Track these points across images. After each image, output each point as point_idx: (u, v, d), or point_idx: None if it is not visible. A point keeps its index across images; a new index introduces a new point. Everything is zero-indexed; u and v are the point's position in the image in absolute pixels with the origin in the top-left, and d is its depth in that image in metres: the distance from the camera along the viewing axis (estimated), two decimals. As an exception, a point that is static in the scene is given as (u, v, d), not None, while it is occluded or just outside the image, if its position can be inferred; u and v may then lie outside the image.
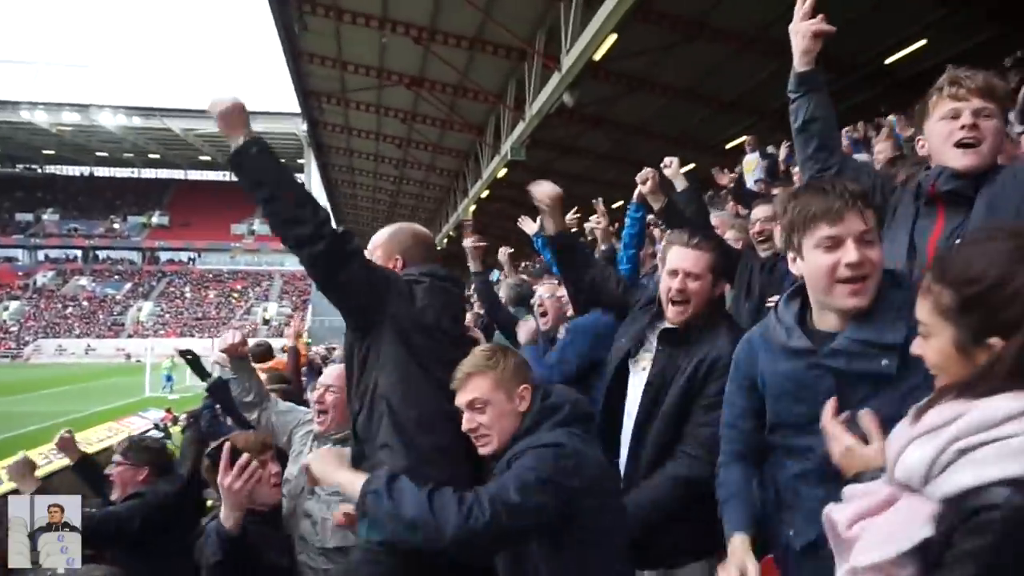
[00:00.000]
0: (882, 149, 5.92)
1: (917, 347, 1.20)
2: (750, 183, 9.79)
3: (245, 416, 3.46)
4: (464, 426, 2.07)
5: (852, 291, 1.66)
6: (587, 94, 15.44)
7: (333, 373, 3.05)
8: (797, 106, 2.39)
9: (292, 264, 75.26)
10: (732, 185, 8.46)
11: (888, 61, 14.35)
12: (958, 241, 1.90)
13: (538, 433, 2.00)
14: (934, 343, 1.13)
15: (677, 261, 2.51)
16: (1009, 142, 2.14)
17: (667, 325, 2.56)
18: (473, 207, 25.66)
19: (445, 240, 33.71)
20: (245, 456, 2.34)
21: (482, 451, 2.09)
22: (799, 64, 2.37)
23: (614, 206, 26.58)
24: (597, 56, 12.68)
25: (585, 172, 24.69)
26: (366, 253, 2.43)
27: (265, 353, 7.09)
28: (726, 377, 2.10)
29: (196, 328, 63.99)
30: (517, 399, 2.08)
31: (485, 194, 23.76)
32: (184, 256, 77.44)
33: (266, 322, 67.00)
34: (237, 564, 2.28)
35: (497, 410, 2.05)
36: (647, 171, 3.83)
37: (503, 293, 4.90)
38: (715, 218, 5.54)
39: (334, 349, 16.75)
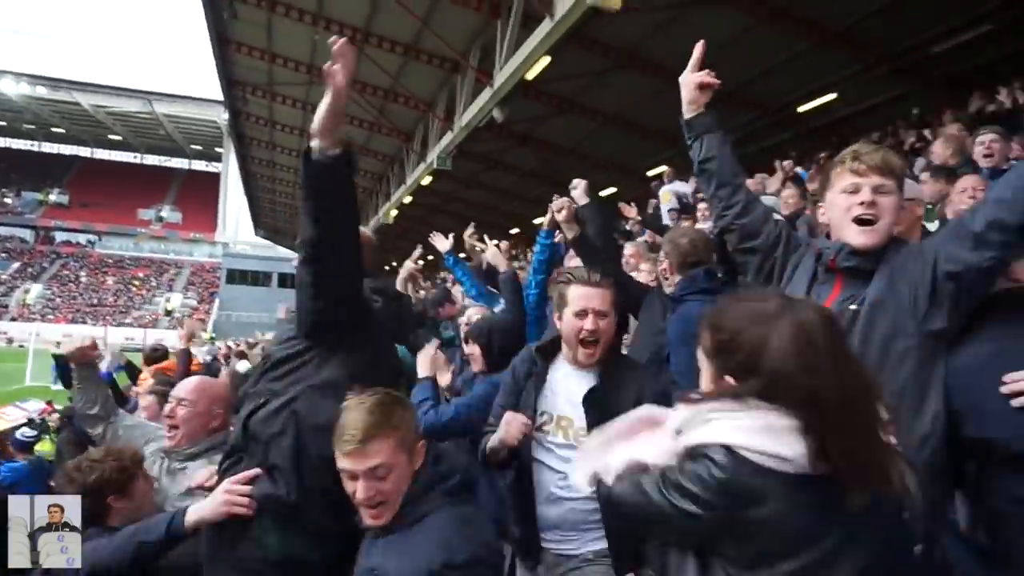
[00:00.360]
0: (790, 195, 6.15)
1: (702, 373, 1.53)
2: (665, 214, 10.10)
3: (86, 430, 3.21)
4: (359, 495, 1.80)
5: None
6: (517, 111, 15.59)
7: (187, 387, 2.90)
8: (693, 150, 2.52)
9: (201, 255, 72.33)
10: (639, 217, 8.79)
11: (801, 109, 15.15)
12: (852, 307, 2.01)
13: (427, 504, 1.84)
14: (704, 374, 1.51)
15: (585, 301, 2.44)
16: (910, 206, 2.29)
17: (575, 372, 2.49)
18: (395, 212, 25.38)
19: (365, 243, 33.19)
20: None
21: (372, 523, 1.85)
22: (686, 112, 2.52)
23: (536, 221, 26.93)
24: (530, 76, 12.82)
25: (511, 188, 24.92)
26: None
27: (160, 357, 6.78)
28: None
29: (90, 315, 60.22)
30: (416, 458, 1.90)
31: (408, 200, 23.54)
32: (83, 238, 72.70)
33: (168, 313, 63.85)
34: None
35: (399, 474, 1.82)
36: (562, 200, 3.84)
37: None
38: (630, 247, 5.70)
39: (244, 353, 15.21)
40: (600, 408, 2.27)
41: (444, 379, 3.39)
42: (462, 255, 6.28)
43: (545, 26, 11.11)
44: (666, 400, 1.92)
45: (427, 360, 3.34)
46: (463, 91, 15.92)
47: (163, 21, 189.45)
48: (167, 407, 2.89)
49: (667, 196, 10.39)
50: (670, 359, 3.04)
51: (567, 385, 2.49)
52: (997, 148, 4.67)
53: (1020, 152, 4.98)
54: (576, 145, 19.98)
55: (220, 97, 24.38)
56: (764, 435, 1.29)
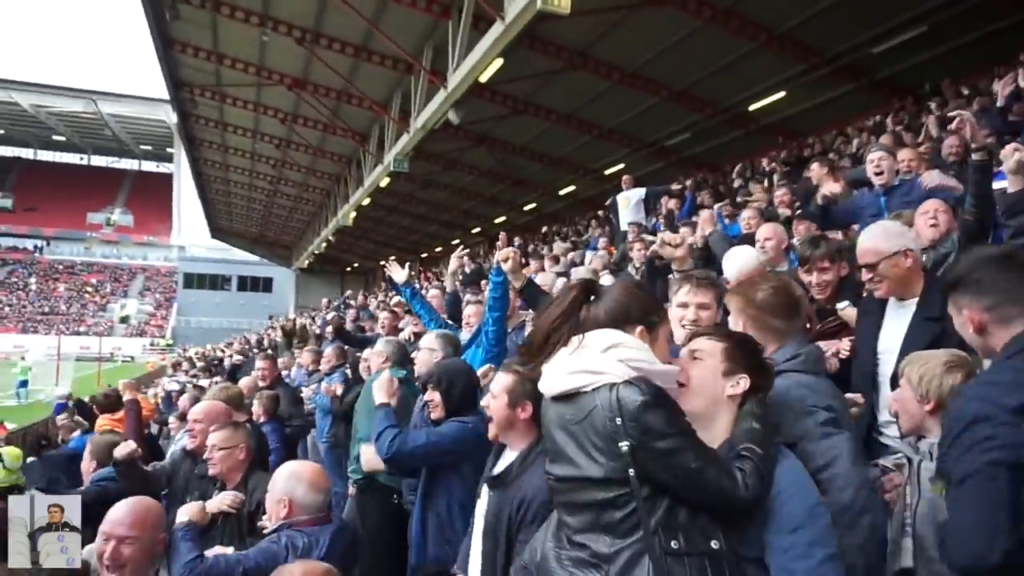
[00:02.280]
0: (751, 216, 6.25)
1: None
2: (623, 221, 10.15)
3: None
4: None
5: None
6: (472, 112, 15.57)
7: (125, 521, 2.46)
8: None
9: (155, 259, 70.54)
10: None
11: (751, 108, 15.41)
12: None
13: None
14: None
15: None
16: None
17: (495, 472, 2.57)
18: (354, 214, 25.11)
19: (324, 244, 32.82)
20: None
21: None
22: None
23: (496, 221, 27.02)
24: (483, 78, 12.77)
25: (469, 187, 24.87)
26: None
27: (113, 404, 6.55)
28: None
29: (41, 324, 58.42)
30: None
31: (367, 201, 23.30)
32: (30, 243, 70.28)
33: (124, 320, 62.28)
34: None
35: None
36: (508, 249, 3.88)
37: (384, 349, 4.71)
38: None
39: (202, 387, 12.69)
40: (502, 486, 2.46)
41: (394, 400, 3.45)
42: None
43: (496, 28, 11.06)
44: None
45: (382, 386, 3.42)
46: (417, 93, 15.80)
47: (106, 19, 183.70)
48: (105, 549, 2.38)
49: (625, 202, 10.45)
50: None
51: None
52: (886, 165, 4.76)
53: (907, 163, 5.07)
54: (532, 144, 20.02)
55: (167, 96, 23.79)
56: None
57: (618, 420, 1.44)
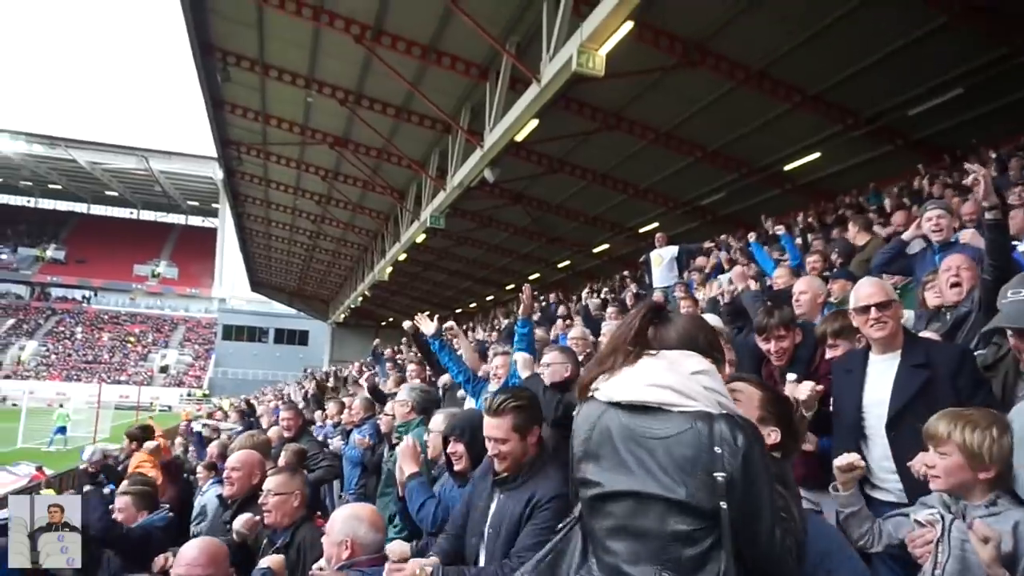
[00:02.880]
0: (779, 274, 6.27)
1: None
2: (657, 278, 10.12)
3: None
4: None
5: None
6: (508, 171, 15.82)
7: (202, 558, 2.64)
8: None
9: (197, 311, 72.17)
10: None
11: (787, 168, 15.40)
12: None
13: None
14: None
15: (486, 430, 2.64)
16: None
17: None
18: (390, 269, 25.48)
19: (360, 299, 33.24)
20: None
21: None
22: None
23: (531, 277, 27.17)
24: (519, 137, 13.04)
25: (504, 244, 25.09)
26: None
27: (146, 435, 6.62)
28: (550, 511, 2.36)
29: (85, 372, 59.77)
30: None
31: (403, 257, 23.66)
32: (78, 294, 72.70)
33: (163, 370, 63.45)
34: None
35: None
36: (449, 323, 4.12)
37: (408, 397, 4.70)
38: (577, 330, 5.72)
39: (224, 423, 12.91)
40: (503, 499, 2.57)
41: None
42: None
43: (532, 91, 11.34)
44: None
45: (407, 454, 3.42)
46: (455, 152, 16.17)
47: (159, 80, 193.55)
48: None
49: (658, 260, 10.44)
50: None
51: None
52: (944, 223, 4.70)
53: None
54: (567, 203, 20.24)
55: (214, 153, 24.72)
56: None
57: (717, 449, 1.36)
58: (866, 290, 2.86)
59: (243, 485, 3.73)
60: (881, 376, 2.74)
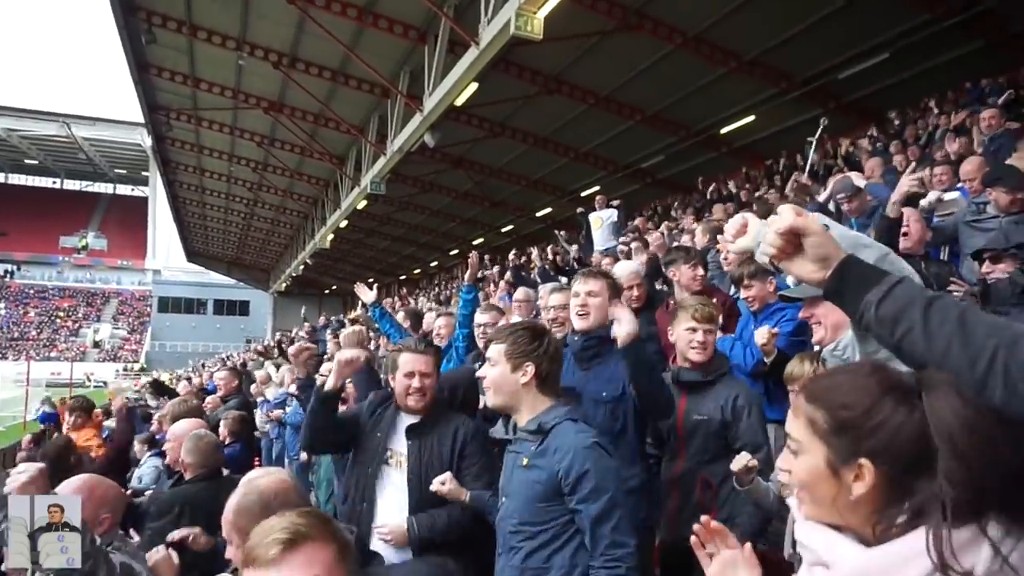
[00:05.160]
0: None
1: (784, 462, 1.25)
2: (596, 240, 10.28)
3: None
4: None
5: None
6: (449, 135, 15.70)
7: (69, 486, 2.60)
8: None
9: (130, 283, 69.55)
10: None
11: (723, 131, 15.73)
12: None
13: None
14: (804, 460, 1.18)
15: (411, 365, 2.89)
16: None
17: (411, 420, 2.90)
18: (331, 236, 25.08)
19: (301, 267, 32.67)
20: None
21: None
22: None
23: (475, 242, 27.15)
24: (459, 101, 12.93)
25: (445, 209, 24.98)
26: None
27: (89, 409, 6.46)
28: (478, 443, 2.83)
29: (12, 349, 57.23)
30: None
31: (344, 223, 23.30)
32: (0, 268, 69.10)
33: (96, 344, 61.22)
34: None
35: None
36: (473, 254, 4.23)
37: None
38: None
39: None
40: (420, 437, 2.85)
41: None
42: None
43: (471, 54, 11.26)
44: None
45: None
46: (394, 116, 15.93)
47: (81, 42, 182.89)
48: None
49: (598, 222, 10.58)
50: None
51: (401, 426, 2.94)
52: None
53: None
54: (508, 166, 20.22)
55: (143, 120, 23.68)
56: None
57: None
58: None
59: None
60: None
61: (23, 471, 2.28)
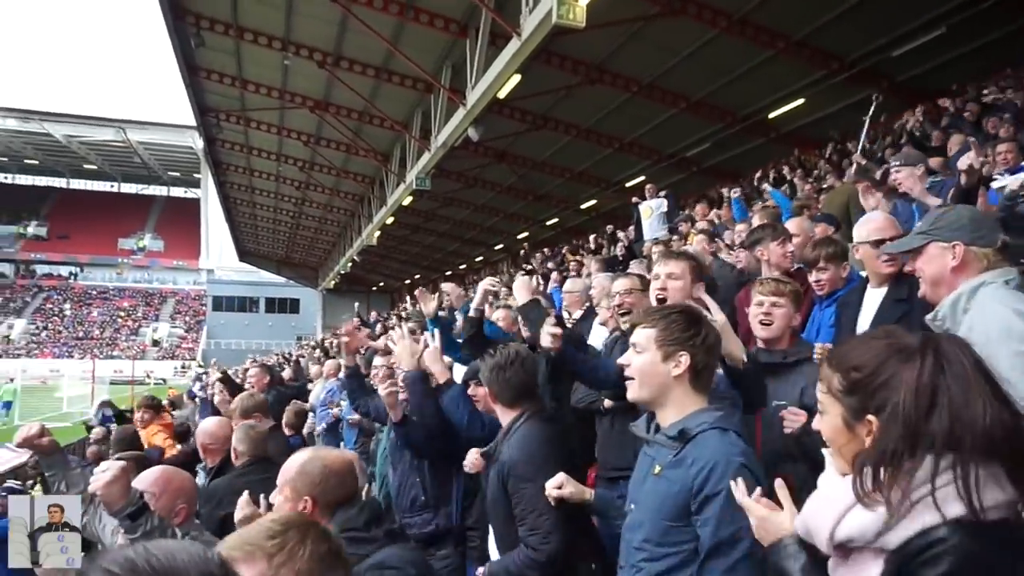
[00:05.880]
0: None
1: (815, 423, 1.41)
2: (646, 229, 10.14)
3: None
4: None
5: None
6: (492, 129, 15.67)
7: (150, 477, 2.63)
8: None
9: (185, 283, 71.72)
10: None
11: (771, 115, 15.32)
12: None
13: None
14: (827, 419, 1.35)
15: None
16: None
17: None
18: (378, 233, 25.37)
19: (349, 264, 33.15)
20: None
21: None
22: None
23: (519, 236, 27.12)
24: (501, 94, 12.89)
25: (490, 203, 24.98)
26: None
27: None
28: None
29: (76, 348, 59.61)
30: None
31: (390, 220, 23.54)
32: (64, 270, 72.02)
33: (156, 343, 63.38)
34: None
35: None
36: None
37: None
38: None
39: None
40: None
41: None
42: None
43: (513, 45, 11.18)
44: None
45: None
46: (437, 111, 15.96)
47: (132, 49, 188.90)
48: None
49: (648, 212, 10.44)
50: None
51: None
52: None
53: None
54: (552, 159, 20.09)
55: (193, 122, 24.32)
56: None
57: None
58: (879, 223, 2.99)
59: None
60: (868, 308, 2.91)
61: (106, 469, 2.27)
